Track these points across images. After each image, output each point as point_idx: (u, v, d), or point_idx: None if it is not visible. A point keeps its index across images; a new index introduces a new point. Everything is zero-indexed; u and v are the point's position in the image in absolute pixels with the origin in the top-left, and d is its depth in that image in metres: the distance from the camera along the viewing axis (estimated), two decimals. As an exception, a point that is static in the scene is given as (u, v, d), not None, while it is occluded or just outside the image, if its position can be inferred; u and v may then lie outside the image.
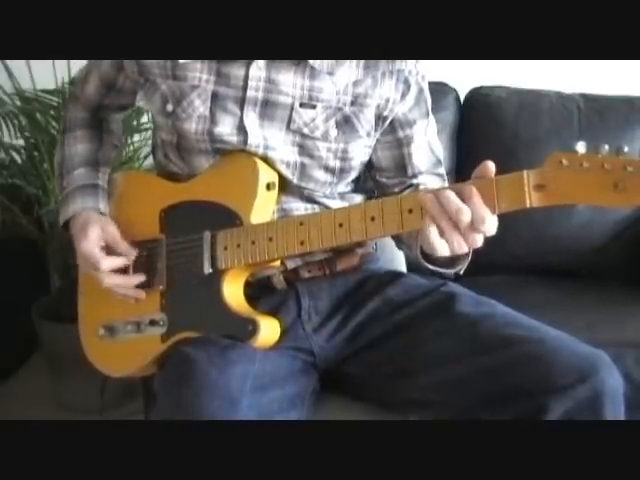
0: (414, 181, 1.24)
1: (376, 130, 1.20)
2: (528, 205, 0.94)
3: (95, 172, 1.28)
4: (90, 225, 1.20)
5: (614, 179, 0.89)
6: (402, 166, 1.24)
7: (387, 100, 1.18)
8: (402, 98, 1.19)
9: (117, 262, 1.20)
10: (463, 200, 0.95)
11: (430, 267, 1.09)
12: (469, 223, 0.95)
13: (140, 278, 1.20)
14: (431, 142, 1.26)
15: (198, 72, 1.15)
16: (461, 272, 1.10)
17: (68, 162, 1.29)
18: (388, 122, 1.20)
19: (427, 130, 1.24)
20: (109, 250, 1.20)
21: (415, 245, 1.09)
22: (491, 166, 0.96)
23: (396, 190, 1.25)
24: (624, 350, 1.60)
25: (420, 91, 1.21)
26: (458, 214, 0.94)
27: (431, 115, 1.25)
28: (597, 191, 0.90)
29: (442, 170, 1.29)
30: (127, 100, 1.32)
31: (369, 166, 1.27)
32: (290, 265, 1.20)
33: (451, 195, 0.95)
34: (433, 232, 0.97)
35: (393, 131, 1.22)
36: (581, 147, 0.91)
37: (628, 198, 0.89)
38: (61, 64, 1.85)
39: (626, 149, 0.89)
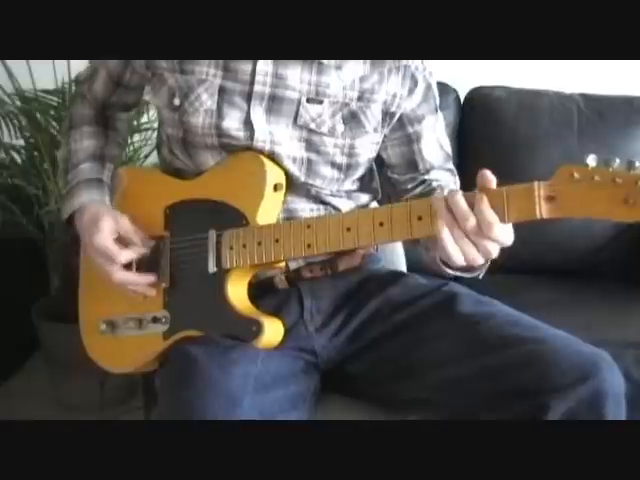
0: (426, 177, 1.25)
1: (383, 126, 1.20)
2: (538, 216, 0.94)
3: (100, 167, 1.28)
4: (102, 217, 1.18)
5: (625, 194, 0.89)
6: (413, 162, 1.25)
7: (394, 96, 1.18)
8: (409, 94, 1.19)
9: (134, 254, 1.18)
10: (471, 206, 0.95)
11: (448, 271, 1.08)
12: (475, 229, 0.95)
13: (151, 277, 1.19)
14: (440, 138, 1.27)
15: (205, 66, 1.14)
16: (480, 276, 1.09)
17: (73, 157, 1.28)
18: (396, 118, 1.21)
19: (436, 126, 1.25)
20: (122, 242, 1.19)
21: (433, 248, 1.08)
22: (489, 176, 0.97)
23: (409, 187, 1.26)
24: (624, 350, 1.60)
25: (428, 87, 1.21)
26: (463, 219, 0.95)
27: (439, 111, 1.26)
28: (607, 205, 0.90)
29: (452, 165, 1.30)
30: (133, 97, 1.33)
31: (380, 164, 1.27)
32: (292, 266, 1.20)
33: (460, 200, 0.96)
34: (446, 239, 0.97)
35: (402, 127, 1.22)
36: (592, 160, 0.91)
37: (638, 213, 0.88)
38: (61, 64, 1.86)
39: (637, 164, 0.89)
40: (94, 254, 1.20)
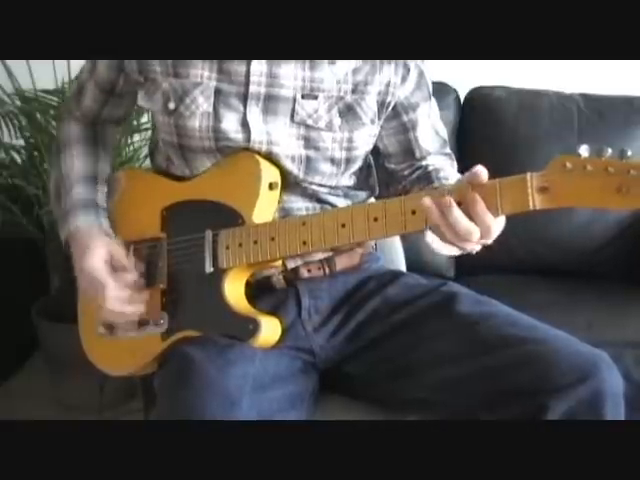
0: (423, 163, 1.26)
1: (380, 118, 1.21)
2: (531, 207, 0.94)
3: (93, 188, 1.27)
4: (94, 242, 1.18)
5: (617, 182, 0.89)
6: (410, 150, 1.26)
7: (387, 84, 1.19)
8: (403, 81, 1.20)
9: (124, 294, 1.17)
10: (469, 213, 0.96)
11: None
12: (477, 237, 0.97)
13: (141, 308, 1.18)
14: (435, 124, 1.27)
15: (200, 69, 1.14)
16: (474, 251, 1.10)
17: (66, 181, 1.26)
18: (391, 107, 1.21)
19: (430, 113, 1.26)
20: (114, 268, 1.18)
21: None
22: (481, 174, 0.97)
23: (406, 173, 1.27)
24: (624, 350, 1.60)
25: (420, 74, 1.22)
26: (468, 234, 0.96)
27: (433, 98, 1.26)
28: (600, 194, 0.90)
29: (449, 150, 1.31)
30: (124, 108, 1.31)
31: (377, 154, 1.28)
32: (290, 265, 1.20)
33: (462, 220, 0.96)
34: (452, 245, 1.00)
35: (397, 116, 1.23)
36: (584, 150, 0.91)
37: (631, 201, 0.89)
38: (61, 64, 1.86)
39: (629, 153, 0.89)
40: (85, 278, 1.19)
